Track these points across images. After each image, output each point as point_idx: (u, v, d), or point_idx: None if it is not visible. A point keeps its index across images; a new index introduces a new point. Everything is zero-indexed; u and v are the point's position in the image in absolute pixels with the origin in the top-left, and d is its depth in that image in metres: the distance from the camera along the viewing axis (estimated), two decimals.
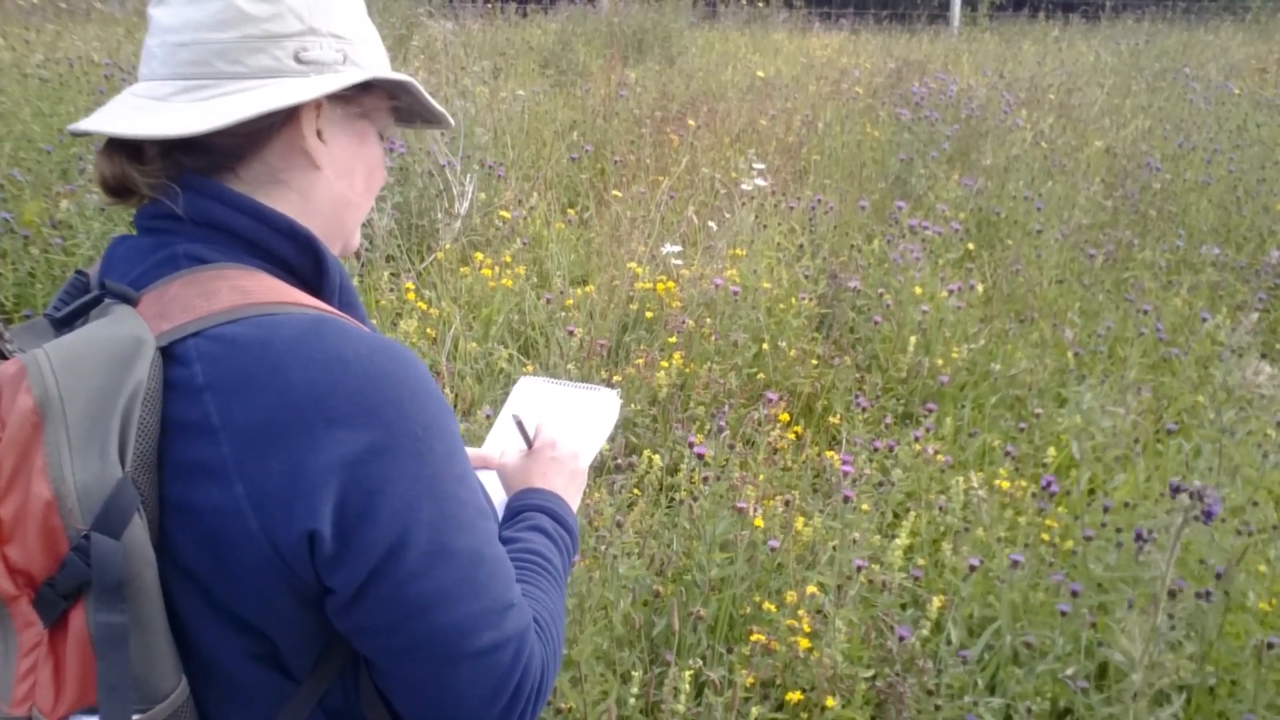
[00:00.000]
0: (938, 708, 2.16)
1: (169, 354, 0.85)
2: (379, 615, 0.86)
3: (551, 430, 1.25)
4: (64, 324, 0.90)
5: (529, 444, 1.24)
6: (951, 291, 3.97)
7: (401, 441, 0.85)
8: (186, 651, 0.86)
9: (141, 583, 0.80)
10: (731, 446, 2.77)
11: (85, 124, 0.91)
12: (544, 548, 1.07)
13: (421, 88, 1.02)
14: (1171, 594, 1.96)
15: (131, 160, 0.91)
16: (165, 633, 0.83)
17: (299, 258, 0.94)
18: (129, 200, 0.95)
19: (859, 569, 2.32)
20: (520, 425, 1.25)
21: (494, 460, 1.26)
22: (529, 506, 1.13)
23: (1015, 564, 2.37)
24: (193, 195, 0.91)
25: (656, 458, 2.77)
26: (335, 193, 0.99)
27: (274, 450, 0.82)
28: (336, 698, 0.92)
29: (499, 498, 1.18)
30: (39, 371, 0.81)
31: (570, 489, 1.19)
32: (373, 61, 0.99)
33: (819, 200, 4.84)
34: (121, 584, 0.79)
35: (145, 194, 0.92)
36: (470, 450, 1.26)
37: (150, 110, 0.90)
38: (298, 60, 0.92)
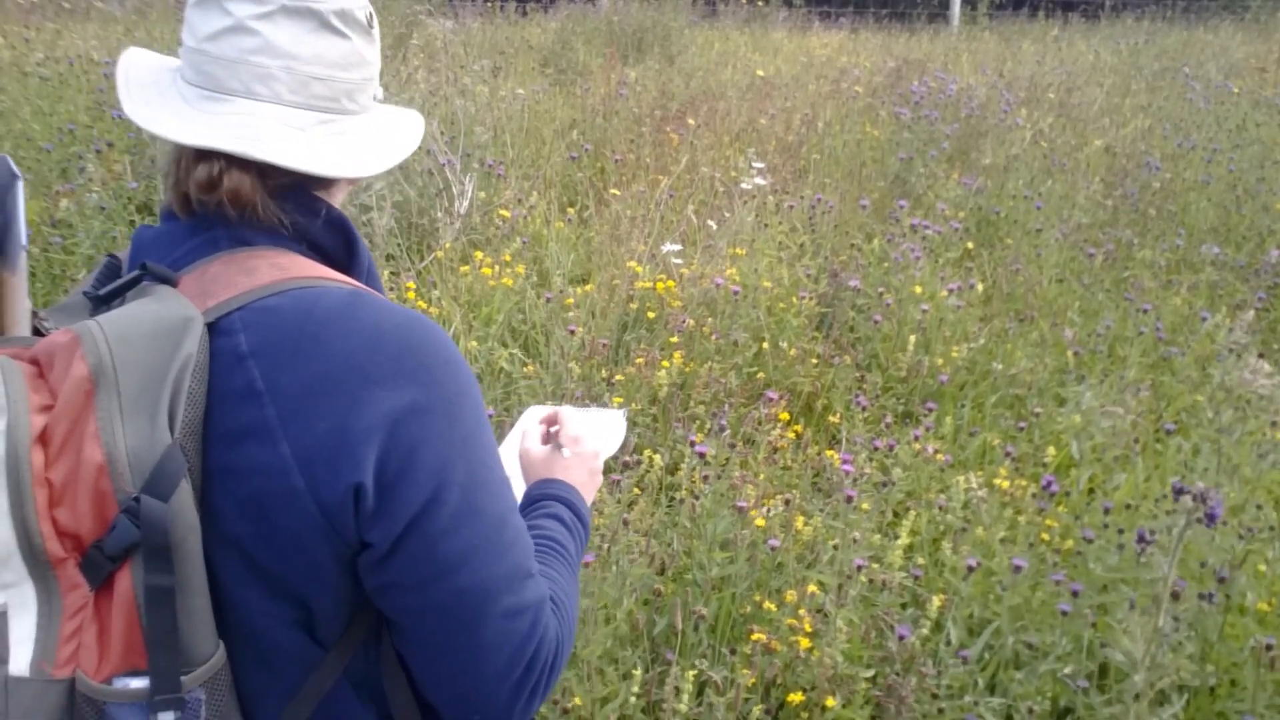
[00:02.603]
0: (941, 711, 2.16)
1: (214, 328, 0.89)
2: (409, 571, 0.89)
3: (576, 428, 1.29)
4: (102, 302, 0.94)
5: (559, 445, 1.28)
6: (951, 291, 3.97)
7: (437, 404, 0.90)
8: (222, 618, 0.88)
9: (186, 546, 0.83)
10: (732, 445, 2.77)
11: (259, 154, 0.91)
12: (560, 534, 1.10)
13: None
14: (1175, 596, 1.96)
15: (260, 178, 0.94)
16: (205, 597, 0.86)
17: (331, 240, 1.00)
18: (193, 211, 0.96)
19: (859, 568, 2.32)
20: (552, 441, 1.28)
21: None
22: (548, 496, 1.17)
23: (1018, 569, 2.38)
24: (304, 212, 0.97)
25: (657, 457, 2.77)
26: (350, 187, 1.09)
27: (319, 411, 0.86)
28: (360, 667, 0.95)
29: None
30: (94, 341, 0.84)
31: (588, 485, 1.23)
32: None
33: (819, 199, 4.84)
34: (169, 546, 0.82)
35: (255, 209, 0.94)
36: None
37: (307, 142, 0.95)
38: (375, 99, 1.04)
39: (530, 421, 1.39)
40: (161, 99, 0.96)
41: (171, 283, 0.92)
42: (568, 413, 1.32)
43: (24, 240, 1.03)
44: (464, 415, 0.92)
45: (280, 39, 0.93)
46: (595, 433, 1.36)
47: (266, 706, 0.93)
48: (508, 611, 0.92)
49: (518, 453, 1.29)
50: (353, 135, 0.99)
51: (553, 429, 1.30)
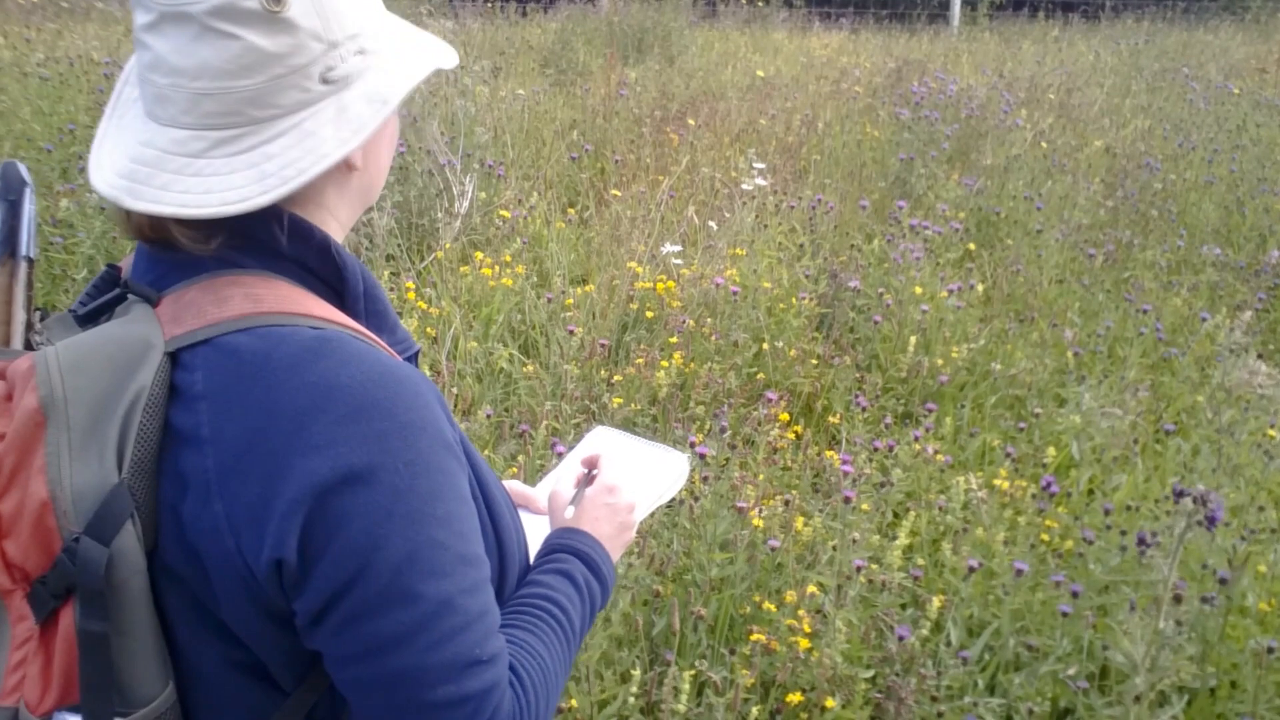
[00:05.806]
0: (940, 715, 2.16)
1: (177, 359, 0.85)
2: (333, 645, 0.84)
3: (614, 475, 1.18)
4: (88, 320, 0.90)
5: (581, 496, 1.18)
6: (951, 291, 3.97)
7: (379, 475, 0.82)
8: (177, 658, 0.86)
9: (129, 589, 0.81)
10: (732, 446, 2.77)
11: (129, 200, 0.85)
12: (563, 597, 1.02)
13: (435, 46, 0.99)
14: (1177, 598, 1.96)
15: (177, 220, 0.86)
16: (152, 638, 0.83)
17: (322, 265, 0.92)
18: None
19: (859, 569, 2.32)
20: (580, 483, 1.20)
21: (538, 503, 1.23)
22: (566, 548, 1.07)
23: (1019, 573, 2.37)
24: (259, 229, 0.88)
25: None
26: (367, 180, 0.98)
27: (252, 473, 0.81)
28: (324, 711, 0.92)
29: (537, 542, 1.11)
30: (46, 371, 0.81)
31: (616, 540, 1.13)
32: (390, 44, 0.94)
33: (819, 200, 4.84)
34: (103, 591, 0.79)
35: (177, 243, 0.87)
36: (515, 485, 1.24)
37: (194, 171, 0.85)
38: (325, 82, 0.88)
39: (578, 454, 1.28)
40: (132, 108, 0.90)
41: (152, 302, 0.88)
42: (612, 457, 1.21)
43: (26, 250, 0.96)
44: (414, 488, 0.83)
45: (166, 51, 0.83)
46: (642, 477, 1.24)
47: None
48: (441, 702, 0.84)
49: (550, 490, 1.19)
50: (260, 151, 0.86)
51: (592, 472, 1.20)
